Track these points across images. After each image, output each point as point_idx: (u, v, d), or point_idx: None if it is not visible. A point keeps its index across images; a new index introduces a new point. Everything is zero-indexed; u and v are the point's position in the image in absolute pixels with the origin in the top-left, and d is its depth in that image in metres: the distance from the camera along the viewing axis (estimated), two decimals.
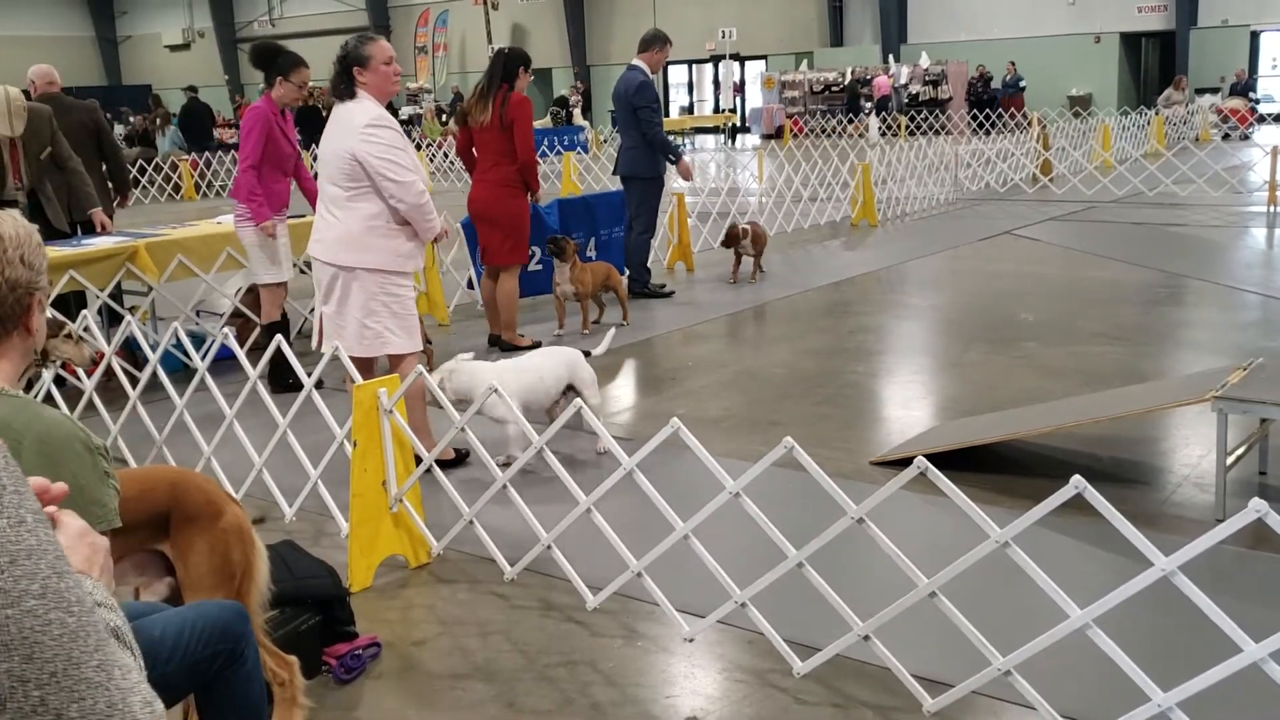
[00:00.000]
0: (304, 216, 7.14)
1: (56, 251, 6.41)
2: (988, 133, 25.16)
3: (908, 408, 5.83)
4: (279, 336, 4.64)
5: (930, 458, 4.73)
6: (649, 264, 9.16)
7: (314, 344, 4.96)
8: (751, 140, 29.96)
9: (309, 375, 4.33)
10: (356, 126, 4.63)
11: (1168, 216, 12.31)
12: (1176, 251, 10.24)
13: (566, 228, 9.07)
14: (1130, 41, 29.00)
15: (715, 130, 31.44)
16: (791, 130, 28.90)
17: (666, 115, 33.18)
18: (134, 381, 5.04)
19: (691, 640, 3.34)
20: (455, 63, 37.69)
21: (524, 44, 36.88)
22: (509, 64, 7.13)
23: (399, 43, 38.61)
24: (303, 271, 7.08)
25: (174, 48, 44.08)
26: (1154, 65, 29.48)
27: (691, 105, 34.61)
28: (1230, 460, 4.37)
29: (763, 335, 7.77)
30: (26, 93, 7.31)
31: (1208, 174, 13.76)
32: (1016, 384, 6.12)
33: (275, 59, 6.18)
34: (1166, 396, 4.52)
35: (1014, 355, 6.73)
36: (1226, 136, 22.86)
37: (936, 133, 25.84)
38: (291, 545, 3.64)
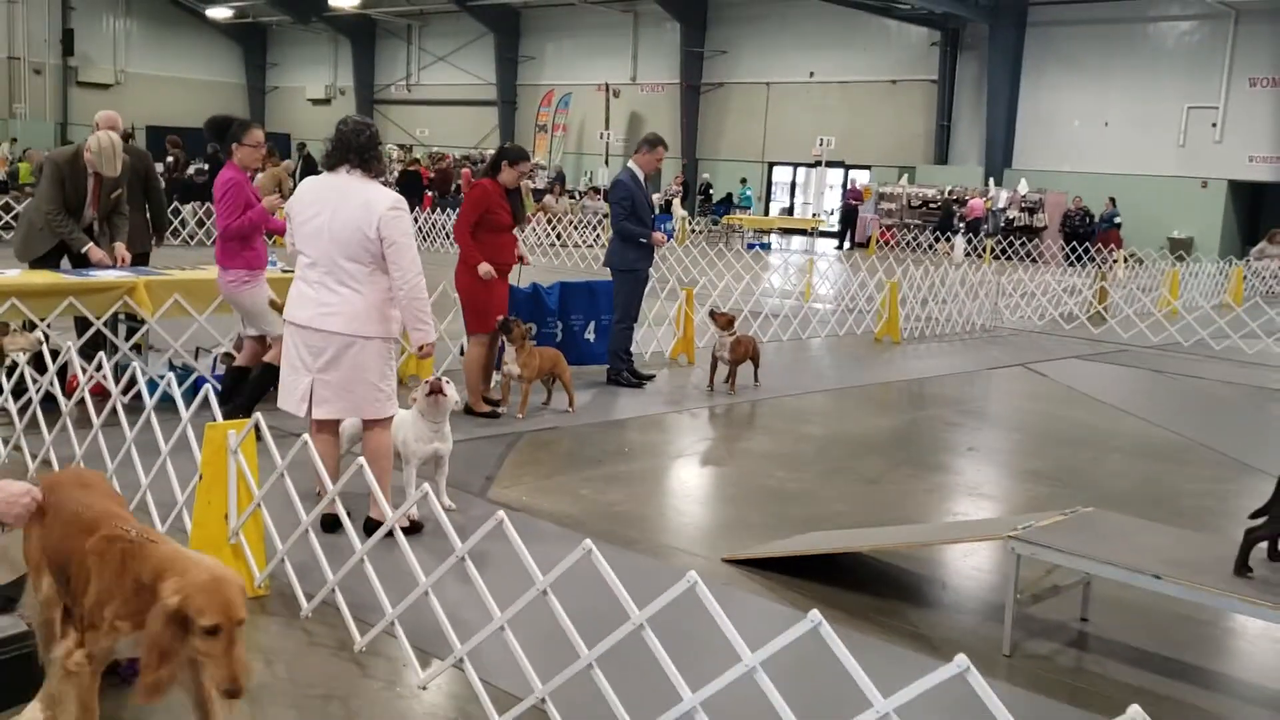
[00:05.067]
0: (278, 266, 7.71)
1: (61, 279, 7.11)
2: (1078, 264, 25.05)
3: (793, 513, 6.01)
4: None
5: (781, 560, 5.01)
6: (631, 352, 9.37)
7: (300, 411, 5.14)
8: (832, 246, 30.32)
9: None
10: (379, 208, 4.90)
11: (1203, 370, 12.02)
12: (1189, 408, 10.03)
13: (566, 310, 9.50)
14: (1239, 189, 28.61)
15: (803, 232, 31.83)
16: (879, 240, 29.14)
17: (766, 214, 33.76)
18: (100, 408, 5.43)
19: (424, 689, 3.68)
20: (573, 143, 38.94)
21: (638, 132, 37.92)
22: (497, 158, 7.69)
23: (522, 118, 40.17)
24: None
25: (316, 101, 46.52)
26: (1263, 215, 28.96)
27: (792, 207, 35.13)
28: (1036, 601, 4.56)
29: (713, 433, 8.07)
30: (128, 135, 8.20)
31: (1278, 332, 13.41)
32: (911, 506, 6.31)
33: (227, 128, 6.55)
34: (980, 531, 4.73)
35: (932, 481, 6.90)
36: None
37: (1023, 259, 25.79)
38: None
